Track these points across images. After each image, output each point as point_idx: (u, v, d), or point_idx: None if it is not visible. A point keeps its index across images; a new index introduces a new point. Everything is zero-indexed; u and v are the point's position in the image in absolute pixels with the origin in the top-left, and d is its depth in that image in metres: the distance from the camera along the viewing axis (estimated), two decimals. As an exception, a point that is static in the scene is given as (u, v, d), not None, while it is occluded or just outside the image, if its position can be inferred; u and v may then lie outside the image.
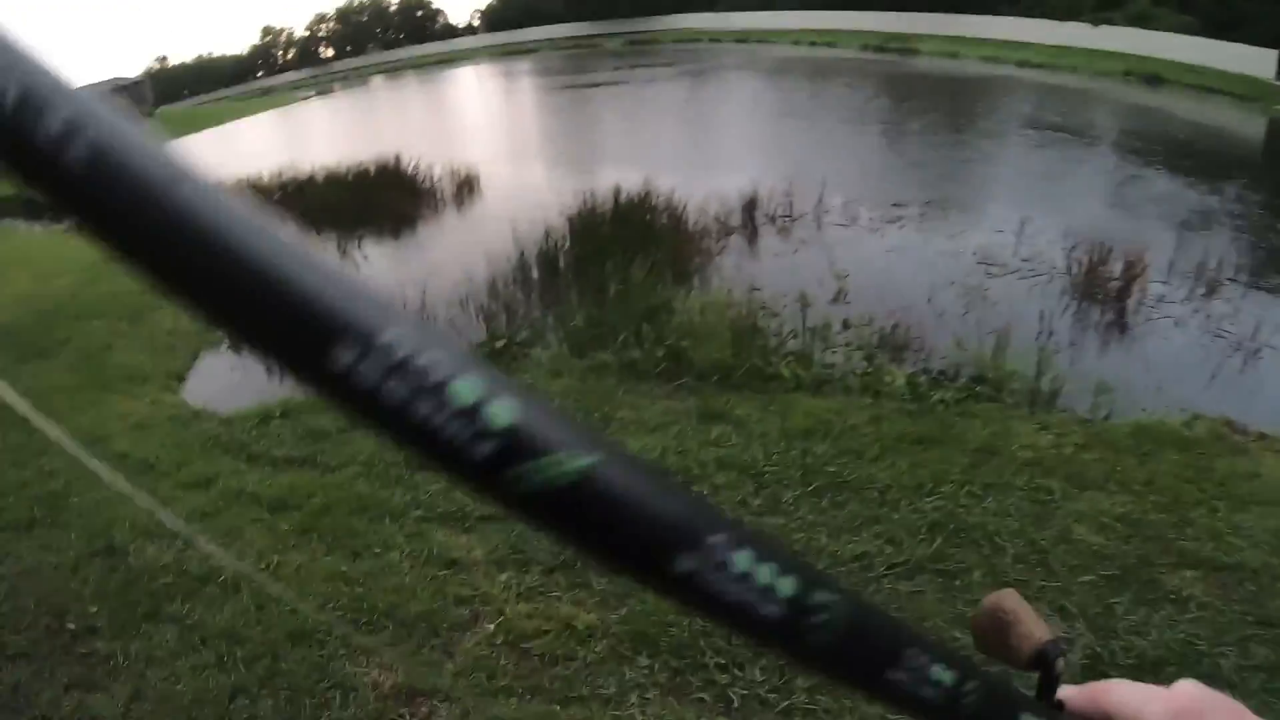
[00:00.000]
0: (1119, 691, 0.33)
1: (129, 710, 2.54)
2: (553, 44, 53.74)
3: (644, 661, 2.57)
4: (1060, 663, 0.33)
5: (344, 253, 8.79)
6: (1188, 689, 0.32)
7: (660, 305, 5.58)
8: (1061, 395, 4.48)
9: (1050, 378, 4.54)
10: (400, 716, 2.45)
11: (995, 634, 0.34)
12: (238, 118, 33.84)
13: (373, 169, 11.72)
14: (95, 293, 7.75)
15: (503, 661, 2.62)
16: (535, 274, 7.12)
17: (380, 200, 10.63)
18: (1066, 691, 0.33)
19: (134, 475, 4.04)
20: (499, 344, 5.50)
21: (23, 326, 7.03)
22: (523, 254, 7.29)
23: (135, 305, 7.08)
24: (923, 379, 4.58)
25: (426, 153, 12.28)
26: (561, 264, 7.16)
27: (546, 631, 2.72)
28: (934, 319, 5.74)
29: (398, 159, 11.89)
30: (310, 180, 11.71)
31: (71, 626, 2.95)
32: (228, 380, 5.68)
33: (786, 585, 0.20)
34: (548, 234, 7.43)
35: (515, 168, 13.18)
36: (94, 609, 3.03)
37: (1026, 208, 8.30)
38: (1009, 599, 0.34)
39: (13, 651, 2.85)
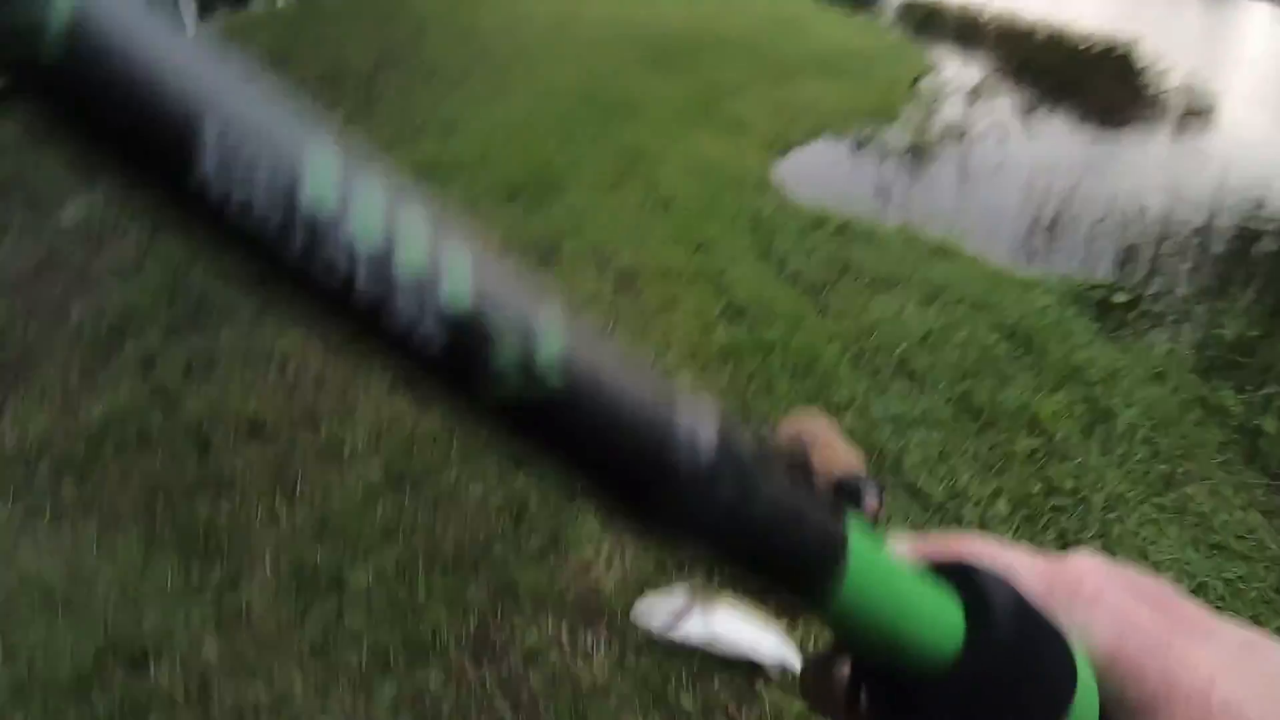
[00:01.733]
0: (983, 549, 0.26)
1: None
2: None
3: None
4: (872, 502, 0.26)
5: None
6: (1085, 562, 0.26)
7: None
8: None
9: None
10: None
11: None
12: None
13: (1098, 47, 9.98)
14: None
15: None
16: (1221, 250, 5.22)
17: (1089, 80, 9.02)
18: (898, 541, 0.26)
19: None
20: (1122, 298, 4.14)
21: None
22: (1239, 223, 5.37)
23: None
24: None
25: (1168, 54, 9.99)
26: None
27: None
28: None
29: (1131, 47, 9.90)
30: (1027, 32, 10.51)
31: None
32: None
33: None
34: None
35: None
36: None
37: None
38: (812, 422, 0.29)
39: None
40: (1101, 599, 0.25)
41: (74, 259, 3.97)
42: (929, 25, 12.24)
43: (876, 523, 0.26)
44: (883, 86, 8.30)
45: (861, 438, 2.81)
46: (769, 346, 3.29)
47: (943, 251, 4.47)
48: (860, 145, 6.67)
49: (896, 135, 6.88)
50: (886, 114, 7.40)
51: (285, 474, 2.63)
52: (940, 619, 0.23)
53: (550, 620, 2.13)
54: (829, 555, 0.21)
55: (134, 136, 0.14)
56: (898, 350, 3.38)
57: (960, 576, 0.24)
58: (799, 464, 0.27)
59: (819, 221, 4.64)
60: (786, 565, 0.20)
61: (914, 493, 2.66)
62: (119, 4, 0.14)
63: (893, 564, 0.23)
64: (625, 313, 3.47)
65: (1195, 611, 0.26)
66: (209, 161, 0.14)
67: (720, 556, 0.20)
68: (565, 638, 2.10)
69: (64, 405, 3.00)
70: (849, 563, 0.21)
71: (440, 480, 2.56)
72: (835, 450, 0.28)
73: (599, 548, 2.31)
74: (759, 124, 6.61)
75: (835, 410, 2.95)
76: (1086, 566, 0.26)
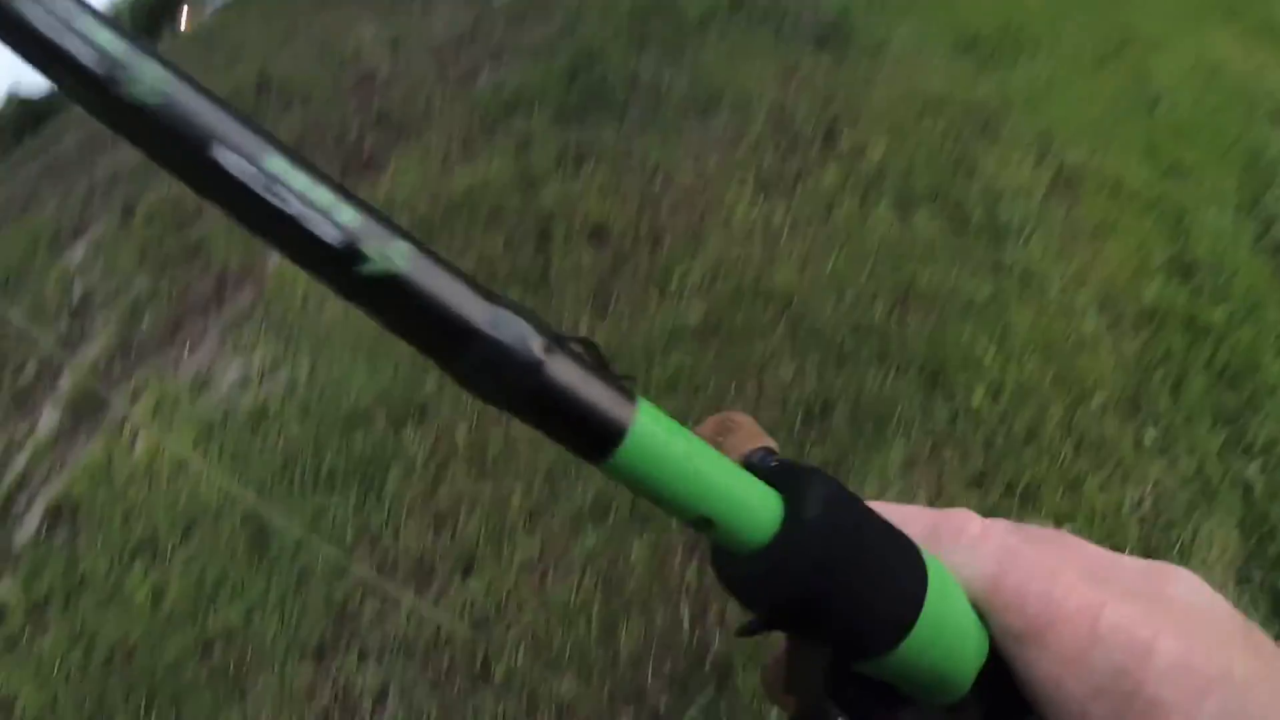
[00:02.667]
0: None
1: None
2: None
3: None
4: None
5: None
6: (971, 513, 0.25)
7: None
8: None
9: None
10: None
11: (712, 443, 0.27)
12: None
13: None
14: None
15: None
16: None
17: None
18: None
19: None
20: None
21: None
22: None
23: None
24: None
25: None
26: None
27: None
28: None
29: None
30: None
31: None
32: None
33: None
34: None
35: None
36: None
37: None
38: (737, 414, 0.31)
39: None
40: (987, 538, 0.24)
41: (495, 34, 4.09)
42: None
43: None
44: None
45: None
46: (1203, 329, 2.29)
47: None
48: None
49: None
50: None
51: (605, 287, 2.44)
52: (754, 503, 0.23)
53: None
54: (612, 421, 0.21)
55: None
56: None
57: (784, 473, 0.24)
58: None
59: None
60: (571, 427, 0.21)
61: None
62: None
63: (694, 443, 0.23)
64: (1049, 220, 2.66)
65: (1094, 550, 0.24)
66: None
67: (512, 409, 0.21)
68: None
69: (439, 171, 3.10)
70: (635, 428, 0.21)
71: (751, 350, 2.18)
72: (751, 434, 0.29)
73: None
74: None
75: (1244, 451, 1.98)
76: (972, 515, 0.25)
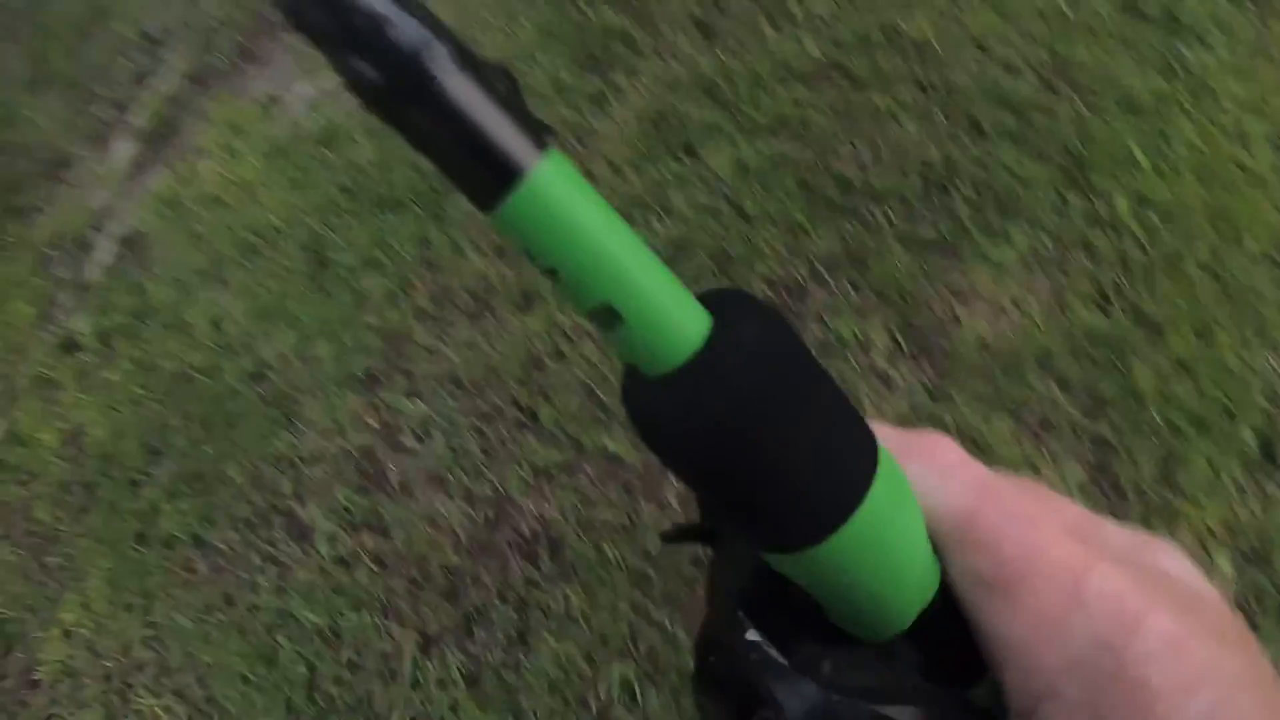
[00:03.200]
0: None
1: None
2: None
3: None
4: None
5: None
6: (947, 437, 0.22)
7: None
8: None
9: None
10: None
11: None
12: None
13: None
14: None
15: None
16: None
17: None
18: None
19: None
20: None
21: None
22: None
23: None
24: None
25: None
26: None
27: None
28: None
29: None
30: None
31: None
32: None
33: None
34: None
35: None
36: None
37: None
38: None
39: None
40: (966, 466, 0.21)
41: None
42: None
43: None
44: None
45: None
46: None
47: None
48: None
49: None
50: None
51: (713, 8, 2.07)
52: (674, 309, 0.19)
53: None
54: (507, 160, 0.18)
55: None
56: None
57: (717, 296, 0.21)
58: None
59: None
60: (459, 157, 0.19)
61: None
62: None
63: (612, 219, 0.19)
64: (1235, 31, 2.28)
65: (1079, 508, 0.22)
66: None
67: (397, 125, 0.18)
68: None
69: None
70: (535, 175, 0.18)
71: (873, 103, 1.87)
72: None
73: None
74: None
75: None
76: (952, 443, 0.22)
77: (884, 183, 1.72)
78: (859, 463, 0.20)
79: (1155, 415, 1.47)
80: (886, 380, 1.63)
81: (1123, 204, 1.73)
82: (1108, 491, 1.44)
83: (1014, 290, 1.67)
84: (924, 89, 1.85)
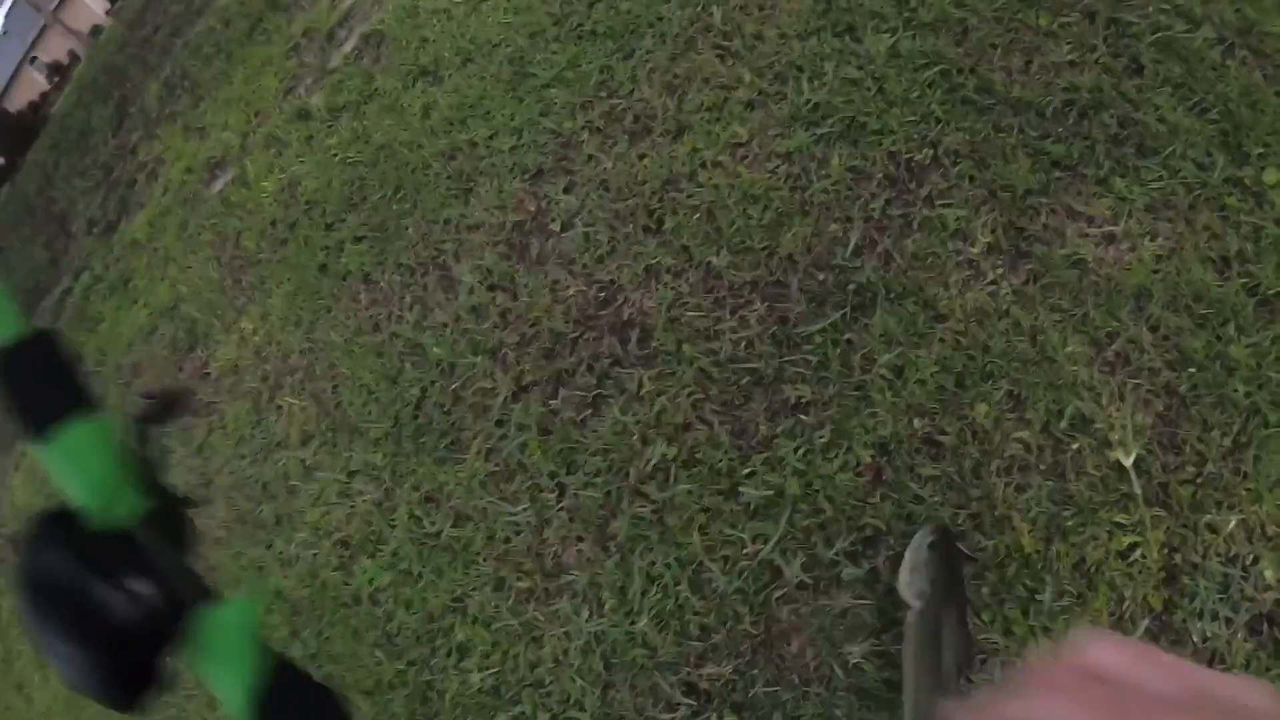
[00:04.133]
0: None
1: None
2: None
3: None
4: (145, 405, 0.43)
5: None
6: None
7: None
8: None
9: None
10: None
11: None
12: None
13: None
14: None
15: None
16: None
17: None
18: None
19: None
20: None
21: None
22: None
23: None
24: None
25: None
26: None
27: None
28: None
29: None
30: None
31: None
32: None
33: None
34: None
35: None
36: None
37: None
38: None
39: None
40: None
41: None
42: None
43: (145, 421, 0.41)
44: None
45: None
46: None
47: None
48: None
49: None
50: None
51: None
52: None
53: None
54: None
55: None
56: None
57: None
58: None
59: None
60: None
61: None
62: None
63: None
64: None
65: None
66: None
67: None
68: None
69: None
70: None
71: (1032, 17, 1.94)
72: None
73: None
74: None
75: None
76: None
77: (1026, 94, 1.82)
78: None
79: (1240, 390, 1.42)
80: (976, 269, 1.75)
81: (1272, 176, 1.74)
82: (1165, 447, 1.43)
83: (1131, 226, 1.70)
84: (1091, 18, 1.91)
